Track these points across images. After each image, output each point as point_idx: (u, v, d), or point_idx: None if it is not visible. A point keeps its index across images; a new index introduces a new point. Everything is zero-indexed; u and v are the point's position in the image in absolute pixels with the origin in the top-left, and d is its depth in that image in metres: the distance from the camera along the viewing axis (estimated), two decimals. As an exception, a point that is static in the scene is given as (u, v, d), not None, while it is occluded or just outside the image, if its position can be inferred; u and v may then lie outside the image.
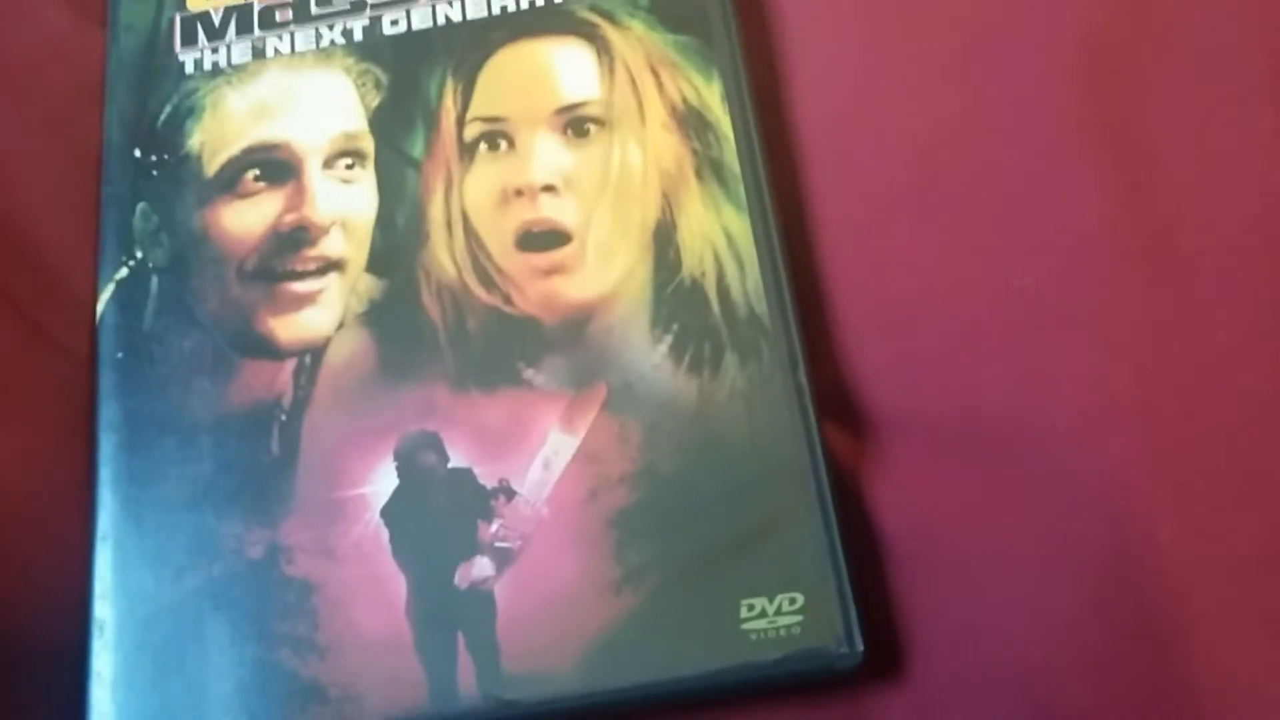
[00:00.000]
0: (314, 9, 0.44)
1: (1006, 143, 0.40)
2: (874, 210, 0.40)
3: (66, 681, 0.36)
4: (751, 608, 0.35)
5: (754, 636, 0.34)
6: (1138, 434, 0.36)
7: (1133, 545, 0.35)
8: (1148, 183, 0.39)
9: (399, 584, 0.36)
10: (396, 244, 0.40)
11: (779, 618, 0.34)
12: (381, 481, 0.37)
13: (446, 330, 0.39)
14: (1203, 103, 0.40)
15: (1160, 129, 0.40)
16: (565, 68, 0.42)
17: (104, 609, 0.36)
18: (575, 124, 0.41)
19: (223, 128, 0.42)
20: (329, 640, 0.35)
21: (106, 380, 0.39)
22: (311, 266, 0.40)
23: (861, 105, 0.42)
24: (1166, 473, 0.36)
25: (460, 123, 0.41)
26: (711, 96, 0.41)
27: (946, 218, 0.40)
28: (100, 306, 0.40)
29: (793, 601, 0.35)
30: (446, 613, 0.35)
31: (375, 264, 0.40)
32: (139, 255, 0.41)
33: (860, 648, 0.34)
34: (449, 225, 0.40)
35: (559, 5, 0.43)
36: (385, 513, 0.37)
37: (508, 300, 0.39)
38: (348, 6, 0.44)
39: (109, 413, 0.39)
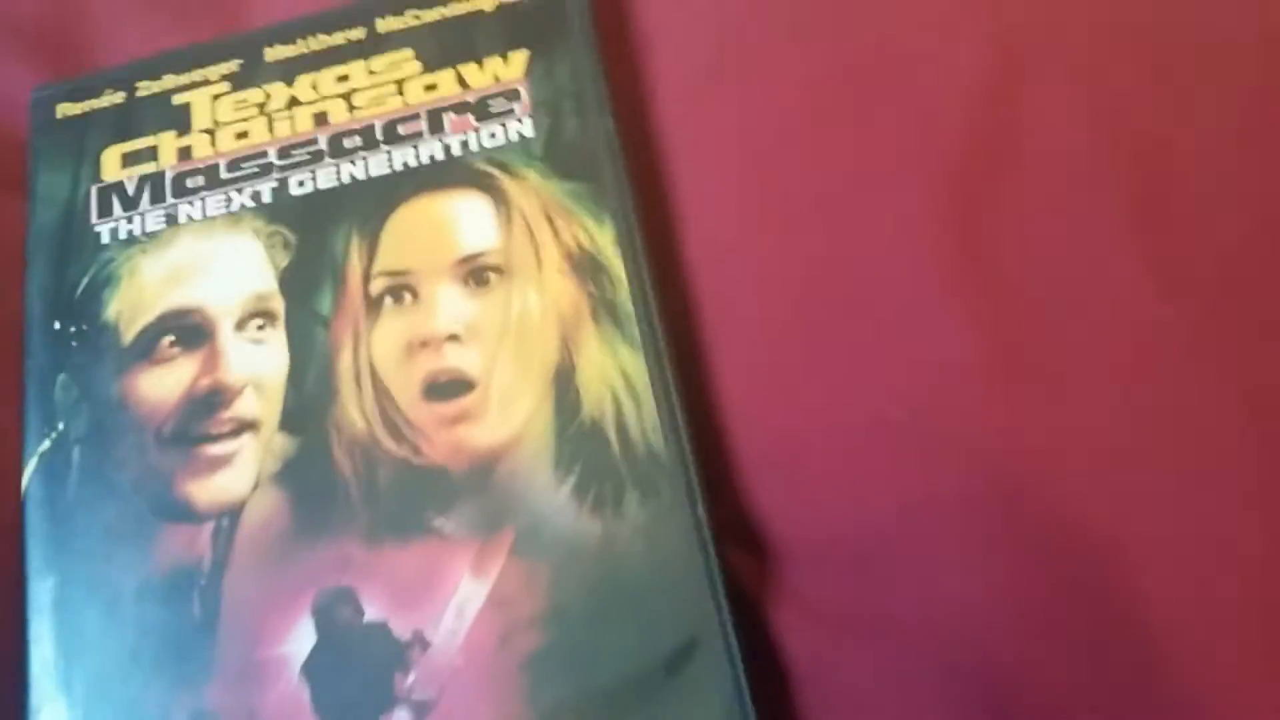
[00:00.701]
0: (224, 174, 0.46)
1: (879, 277, 0.42)
2: (760, 345, 0.42)
3: None
4: (659, 746, 0.35)
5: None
6: (1009, 555, 0.37)
7: (1015, 675, 0.36)
8: (1014, 313, 0.40)
9: (321, 743, 0.37)
10: (307, 402, 0.41)
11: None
12: (301, 640, 0.38)
13: (358, 484, 0.40)
14: (1064, 234, 0.41)
15: (1024, 260, 0.41)
16: (465, 219, 0.43)
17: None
18: (476, 273, 0.42)
19: (139, 295, 0.44)
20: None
21: (34, 553, 0.40)
22: (226, 429, 0.41)
23: (745, 244, 0.43)
24: (1041, 588, 0.37)
25: (366, 278, 0.43)
26: (604, 240, 0.42)
27: (825, 351, 0.41)
28: (25, 479, 0.41)
29: (699, 740, 0.35)
30: (367, 771, 0.36)
31: (287, 423, 0.41)
32: (60, 427, 0.42)
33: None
34: (358, 380, 0.41)
35: (458, 159, 0.44)
36: (305, 670, 0.37)
37: (416, 451, 0.40)
38: (256, 170, 0.45)
39: (37, 586, 0.40)
